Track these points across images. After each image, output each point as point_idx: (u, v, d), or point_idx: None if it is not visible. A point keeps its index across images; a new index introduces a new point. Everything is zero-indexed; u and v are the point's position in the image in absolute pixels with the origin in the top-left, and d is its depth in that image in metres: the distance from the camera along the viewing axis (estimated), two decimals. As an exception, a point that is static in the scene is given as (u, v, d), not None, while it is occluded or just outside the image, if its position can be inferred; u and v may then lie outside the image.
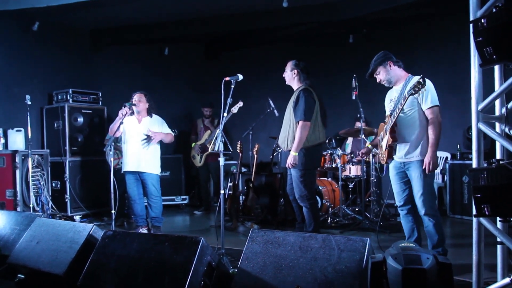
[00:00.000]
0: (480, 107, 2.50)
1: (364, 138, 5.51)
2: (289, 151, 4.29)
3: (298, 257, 2.68)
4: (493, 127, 2.60)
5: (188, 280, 2.58)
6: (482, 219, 2.45)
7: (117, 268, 2.83)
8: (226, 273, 3.02)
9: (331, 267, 2.56)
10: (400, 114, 3.49)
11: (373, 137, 6.35)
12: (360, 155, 4.35)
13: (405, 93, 3.38)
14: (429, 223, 3.54)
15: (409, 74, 3.69)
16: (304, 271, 2.61)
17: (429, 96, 3.43)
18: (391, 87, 3.80)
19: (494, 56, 2.08)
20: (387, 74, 3.68)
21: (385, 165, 4.66)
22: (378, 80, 3.77)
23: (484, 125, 2.48)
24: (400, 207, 3.77)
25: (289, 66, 4.43)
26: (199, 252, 2.69)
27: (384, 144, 3.68)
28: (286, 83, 4.50)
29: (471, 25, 2.21)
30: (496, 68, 2.54)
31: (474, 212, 2.21)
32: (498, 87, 2.56)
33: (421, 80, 3.16)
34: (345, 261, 2.54)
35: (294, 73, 4.40)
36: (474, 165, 2.49)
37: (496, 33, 2.04)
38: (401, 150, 3.61)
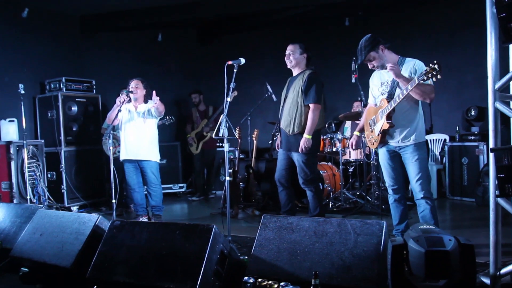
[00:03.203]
0: (497, 86, 2.46)
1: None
2: (295, 135, 4.23)
3: (314, 242, 2.64)
4: (508, 106, 2.56)
5: (202, 268, 2.52)
6: (499, 199, 2.42)
7: (127, 259, 2.76)
8: (237, 260, 2.97)
9: (348, 251, 2.52)
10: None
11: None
12: (352, 146, 4.14)
13: (415, 78, 3.19)
14: (427, 206, 3.49)
15: (399, 56, 3.59)
16: (320, 256, 2.57)
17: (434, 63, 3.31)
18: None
19: (518, 32, 2.02)
20: (381, 59, 3.55)
21: (373, 150, 4.60)
22: (370, 67, 3.65)
23: (501, 104, 2.44)
24: (394, 192, 3.72)
25: (297, 49, 4.29)
26: (212, 240, 2.64)
27: (377, 128, 3.58)
28: (289, 66, 4.36)
29: (491, 0, 2.14)
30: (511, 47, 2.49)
31: (496, 192, 2.18)
32: (514, 66, 2.52)
33: (435, 66, 2.96)
34: (362, 245, 2.51)
35: (304, 56, 4.30)
36: (491, 145, 2.44)
37: (521, 8, 1.98)
38: (397, 135, 3.54)
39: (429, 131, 6.73)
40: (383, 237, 2.48)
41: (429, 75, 3.00)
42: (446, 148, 6.16)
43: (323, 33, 7.66)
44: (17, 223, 3.69)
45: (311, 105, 4.17)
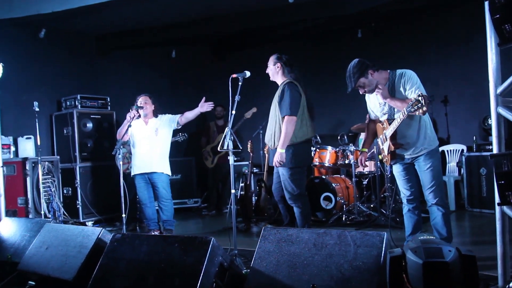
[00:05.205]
0: (499, 90, 2.38)
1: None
2: (276, 148, 4.11)
3: (313, 255, 2.58)
4: (514, 112, 2.47)
5: (199, 281, 2.49)
6: (505, 208, 2.32)
7: (126, 272, 2.76)
8: (239, 273, 2.93)
9: (348, 263, 2.45)
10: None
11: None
12: (362, 163, 4.07)
13: (404, 110, 3.18)
14: (438, 212, 3.43)
15: (388, 70, 3.52)
16: (319, 269, 2.51)
17: (417, 88, 3.31)
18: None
19: (513, 34, 1.95)
20: (371, 84, 3.47)
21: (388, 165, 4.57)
22: (361, 92, 3.58)
23: (504, 109, 2.36)
24: (409, 202, 3.66)
25: (271, 60, 4.25)
26: (210, 252, 2.60)
27: (386, 148, 3.57)
28: (270, 79, 4.30)
29: (486, 2, 2.09)
30: (514, 48, 2.41)
31: (497, 200, 2.09)
32: (517, 69, 2.43)
33: (420, 98, 2.98)
34: (362, 257, 2.44)
35: (278, 67, 4.20)
36: (495, 151, 2.36)
37: (514, 9, 1.92)
38: (409, 149, 3.51)
39: (446, 142, 6.59)
40: (383, 248, 2.40)
41: (416, 107, 3.00)
42: (463, 158, 5.99)
43: (336, 45, 7.63)
44: (26, 237, 3.74)
45: (285, 117, 4.02)
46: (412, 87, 3.31)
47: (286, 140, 4.00)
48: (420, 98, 2.96)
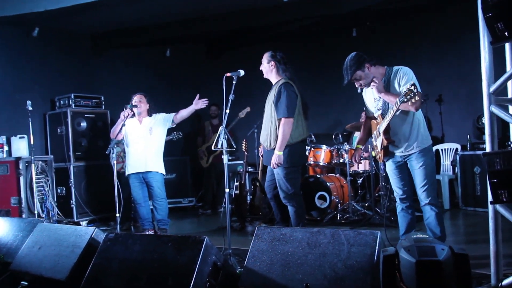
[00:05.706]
0: (491, 89, 2.38)
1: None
2: (273, 149, 4.07)
3: (306, 254, 2.58)
4: (506, 110, 2.48)
5: (193, 281, 2.48)
6: (498, 207, 2.33)
7: (119, 272, 2.75)
8: (233, 273, 2.92)
9: (341, 262, 2.45)
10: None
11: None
12: (355, 160, 4.04)
13: (397, 100, 3.19)
14: (431, 212, 3.42)
15: (386, 67, 3.51)
16: (313, 268, 2.50)
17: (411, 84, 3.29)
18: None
19: (506, 32, 1.95)
20: (368, 78, 3.46)
21: (381, 163, 4.55)
22: (357, 85, 3.56)
23: (497, 108, 2.36)
24: (402, 201, 3.65)
25: (265, 58, 4.17)
26: (203, 252, 2.60)
27: (379, 144, 3.57)
28: (264, 76, 4.24)
29: (479, 1, 2.09)
30: (507, 46, 2.42)
31: (490, 198, 2.09)
32: (510, 68, 2.44)
33: (412, 87, 2.97)
34: (356, 256, 2.44)
35: (272, 65, 4.12)
36: (488, 150, 2.37)
37: (507, 7, 1.92)
38: (401, 146, 3.50)
39: (440, 140, 6.61)
40: (377, 247, 2.40)
41: (408, 97, 2.99)
42: (457, 157, 6.00)
43: (331, 44, 7.64)
44: (19, 237, 3.72)
45: (282, 119, 3.99)
46: (407, 83, 3.29)
47: (284, 142, 3.98)
48: (412, 87, 2.94)
